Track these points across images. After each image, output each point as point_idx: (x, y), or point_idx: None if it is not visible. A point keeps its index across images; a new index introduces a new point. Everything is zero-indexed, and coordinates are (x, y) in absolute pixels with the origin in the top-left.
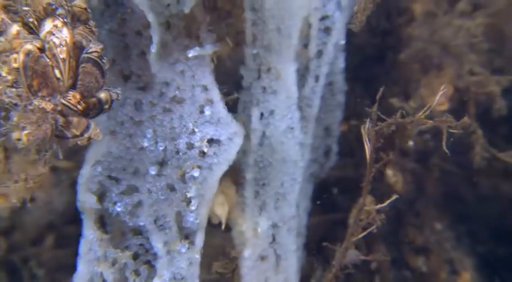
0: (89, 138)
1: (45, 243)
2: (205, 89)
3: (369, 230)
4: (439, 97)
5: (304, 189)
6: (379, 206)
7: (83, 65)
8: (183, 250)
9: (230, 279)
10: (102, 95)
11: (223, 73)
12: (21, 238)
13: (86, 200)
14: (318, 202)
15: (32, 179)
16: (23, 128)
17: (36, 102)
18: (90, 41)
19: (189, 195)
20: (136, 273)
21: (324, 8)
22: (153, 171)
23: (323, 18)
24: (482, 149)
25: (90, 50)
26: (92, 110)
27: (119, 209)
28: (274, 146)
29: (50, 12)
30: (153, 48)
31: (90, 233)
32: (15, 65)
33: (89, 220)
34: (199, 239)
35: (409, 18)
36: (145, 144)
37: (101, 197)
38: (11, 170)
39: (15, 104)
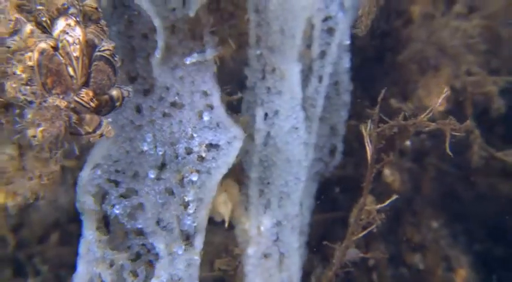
0: (101, 135)
1: (50, 241)
2: (204, 94)
3: (369, 229)
4: (441, 99)
5: (307, 188)
6: (379, 206)
7: (95, 63)
8: (180, 252)
9: (233, 276)
10: (114, 93)
11: (226, 74)
12: (28, 235)
13: (85, 201)
14: (318, 202)
15: (46, 176)
16: (38, 125)
17: (50, 99)
18: (102, 39)
19: (187, 199)
20: (134, 274)
21: (326, 9)
22: (152, 175)
23: (326, 19)
24: (480, 149)
25: (102, 48)
26: (104, 107)
27: (117, 212)
28: (279, 145)
29: (62, 12)
30: (158, 53)
31: (89, 233)
32: (29, 63)
33: (88, 221)
34: (199, 241)
35: (408, 20)
36: (145, 148)
37: (100, 199)
38: (26, 167)
39: (30, 102)
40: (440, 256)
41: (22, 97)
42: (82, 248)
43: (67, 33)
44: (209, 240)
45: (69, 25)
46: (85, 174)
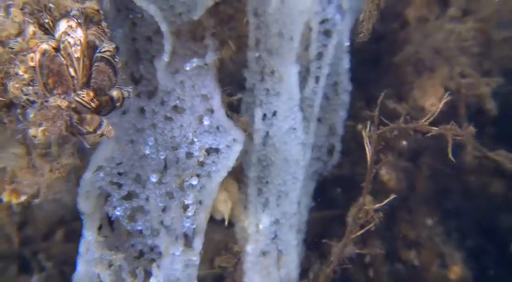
0: (102, 135)
1: (55, 238)
2: (205, 98)
3: (366, 227)
4: (442, 104)
5: (305, 187)
6: (377, 205)
7: (96, 63)
8: (178, 252)
9: (232, 273)
10: (114, 93)
11: (226, 75)
12: (33, 232)
13: (86, 202)
14: (317, 200)
15: (57, 170)
16: (39, 125)
17: (51, 99)
18: (103, 40)
19: (186, 202)
20: (133, 274)
21: (323, 12)
22: (154, 178)
23: (323, 21)
24: (473, 149)
25: (103, 49)
26: (105, 107)
27: (118, 213)
28: (277, 145)
29: (64, 14)
30: (166, 57)
31: (89, 234)
32: (31, 64)
33: (88, 221)
34: (198, 243)
35: (403, 22)
36: (147, 151)
37: (102, 200)
38: (35, 164)
39: (32, 102)
40: (435, 252)
41: (24, 97)
42: (82, 248)
43: (68, 34)
44: (209, 238)
45: (70, 27)
46: (88, 176)
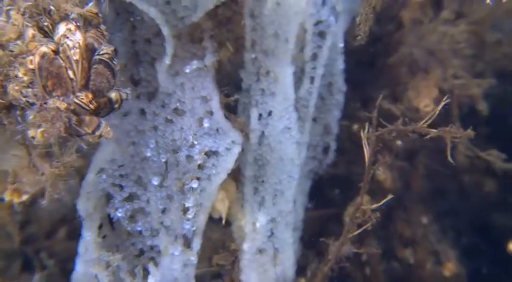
0: (100, 136)
1: (58, 236)
2: (204, 99)
3: (363, 227)
4: (440, 107)
5: (301, 186)
6: (375, 205)
7: (94, 66)
8: (176, 252)
9: (230, 271)
10: (113, 95)
11: (224, 76)
12: (37, 230)
13: (87, 204)
14: (313, 200)
15: (57, 168)
16: (38, 126)
17: (50, 101)
18: (102, 43)
19: (187, 204)
20: (132, 274)
21: (318, 14)
22: (155, 182)
23: (317, 23)
24: (465, 148)
25: (101, 52)
26: (103, 109)
27: (119, 215)
28: (273, 145)
29: (64, 17)
30: (168, 60)
31: (88, 235)
32: (31, 67)
33: (88, 221)
34: (196, 243)
35: (398, 25)
36: (148, 154)
37: (104, 202)
38: (35, 163)
39: (31, 104)
40: (430, 251)
41: (24, 99)
42: (81, 248)
43: (67, 37)
44: (208, 236)
45: (69, 30)
46: (90, 178)
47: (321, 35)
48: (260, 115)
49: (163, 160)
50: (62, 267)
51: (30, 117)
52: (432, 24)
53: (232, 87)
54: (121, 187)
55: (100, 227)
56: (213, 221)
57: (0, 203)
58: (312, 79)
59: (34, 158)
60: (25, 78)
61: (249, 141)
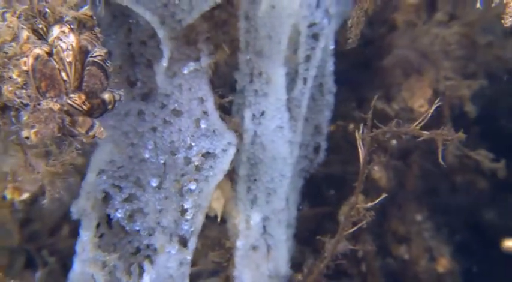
0: (94, 136)
1: (61, 233)
2: (201, 100)
3: (358, 225)
4: (432, 109)
5: (293, 184)
6: (369, 204)
7: (88, 68)
8: (173, 251)
9: (225, 267)
10: (106, 96)
11: (220, 77)
12: (41, 227)
13: (86, 204)
14: (310, 198)
15: (53, 166)
16: (32, 127)
17: (44, 102)
18: (95, 45)
19: (185, 206)
20: (128, 273)
21: (312, 16)
22: (154, 183)
23: (311, 25)
24: (455, 148)
25: (94, 54)
26: (96, 110)
27: (119, 215)
28: (265, 144)
29: (58, 19)
30: (165, 62)
31: (85, 234)
32: (24, 68)
33: (86, 222)
34: (192, 242)
35: (392, 27)
36: (147, 155)
37: (101, 201)
38: (31, 163)
39: (25, 105)
40: (424, 247)
41: (18, 100)
42: (78, 247)
43: (61, 39)
44: (205, 234)
45: (63, 32)
46: (90, 179)
47: (314, 37)
48: (253, 115)
49: (162, 161)
50: (63, 264)
51: (24, 118)
52: (425, 27)
53: (228, 89)
54: (120, 188)
55: (97, 226)
56: (210, 219)
57: (2, 201)
58: (305, 80)
59: (30, 157)
60: (19, 79)
61: (242, 141)
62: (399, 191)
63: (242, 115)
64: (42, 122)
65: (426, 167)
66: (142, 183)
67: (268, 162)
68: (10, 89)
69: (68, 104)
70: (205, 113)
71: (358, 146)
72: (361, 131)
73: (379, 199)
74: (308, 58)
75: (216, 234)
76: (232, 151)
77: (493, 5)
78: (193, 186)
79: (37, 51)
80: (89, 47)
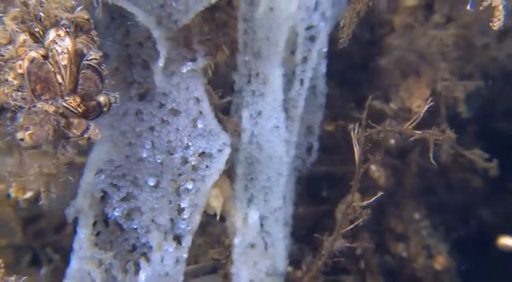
0: (89, 138)
1: (67, 231)
2: (197, 100)
3: (355, 223)
4: (425, 107)
5: (290, 183)
6: (365, 202)
7: (83, 71)
8: (171, 249)
9: (224, 264)
10: (101, 99)
11: (220, 78)
12: (47, 225)
13: (84, 203)
14: (310, 196)
15: (47, 167)
16: (27, 129)
17: (39, 105)
18: (91, 48)
19: (182, 205)
20: (124, 270)
21: (309, 18)
22: (151, 182)
23: (308, 27)
24: (449, 147)
25: (90, 57)
26: (92, 112)
27: (116, 214)
28: (262, 143)
29: (54, 23)
30: (161, 63)
31: (82, 232)
32: (20, 71)
33: (83, 220)
34: (188, 240)
35: (390, 29)
36: (144, 155)
37: (98, 199)
38: (25, 163)
39: (20, 107)
40: (422, 245)
41: (13, 102)
42: (76, 245)
43: (57, 43)
44: (205, 232)
45: (59, 35)
46: (89, 178)
47: (312, 39)
48: (250, 115)
49: (159, 161)
50: (68, 262)
51: (20, 119)
52: (423, 28)
53: (228, 89)
54: (118, 187)
55: (94, 224)
56: (209, 217)
57: (6, 199)
58: (302, 81)
59: (24, 158)
60: (15, 82)
61: (240, 141)
62: (398, 189)
63: (240, 115)
64: (38, 124)
65: (424, 166)
66: (140, 183)
67: (265, 161)
68: (6, 91)
69: (63, 106)
70: (201, 113)
71: (354, 145)
72: (356, 131)
73: (374, 197)
74: (305, 60)
75: (218, 232)
76: (227, 151)
77: (481, 7)
78: (190, 186)
79: (33, 54)
80: (85, 51)
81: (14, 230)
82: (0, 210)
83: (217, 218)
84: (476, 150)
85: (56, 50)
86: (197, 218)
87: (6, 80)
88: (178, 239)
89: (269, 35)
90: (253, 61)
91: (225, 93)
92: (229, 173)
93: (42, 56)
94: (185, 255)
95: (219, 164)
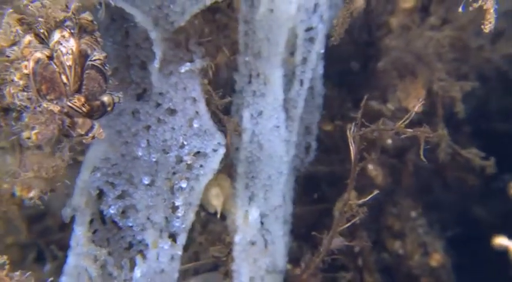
0: (93, 137)
1: (70, 229)
2: (194, 101)
3: (352, 221)
4: (417, 108)
5: (290, 181)
6: (361, 200)
7: (87, 71)
8: (166, 247)
9: (225, 262)
10: (105, 98)
11: (221, 78)
12: (53, 223)
13: (80, 201)
14: (310, 195)
15: (45, 170)
16: (32, 128)
17: (44, 104)
18: (95, 49)
19: (176, 203)
20: (119, 267)
21: (309, 20)
22: (146, 181)
23: (308, 29)
24: (447, 146)
25: (94, 58)
26: (96, 112)
27: (112, 212)
28: (262, 143)
29: (59, 24)
30: (156, 64)
31: (78, 229)
32: (25, 71)
33: (79, 218)
34: (182, 238)
35: (387, 31)
36: (140, 153)
37: (94, 197)
38: (25, 164)
39: (26, 107)
40: (418, 242)
41: (19, 102)
42: (73, 242)
43: (61, 44)
44: (207, 230)
45: (63, 36)
46: (85, 176)
47: (311, 40)
48: (251, 115)
49: (154, 160)
50: None
51: (26, 119)
52: (419, 30)
53: (229, 89)
54: (114, 185)
55: (91, 221)
56: (212, 215)
57: (11, 198)
58: (301, 82)
59: (25, 158)
60: (20, 82)
61: (241, 140)
62: (395, 188)
63: (241, 115)
64: (43, 124)
65: (420, 165)
66: (135, 181)
67: (266, 160)
68: (12, 91)
69: (68, 106)
70: (197, 113)
71: (350, 144)
72: (352, 130)
73: (370, 196)
74: (304, 60)
75: (219, 230)
76: (222, 151)
77: (471, 8)
78: (184, 185)
79: (38, 55)
80: (89, 51)
81: (19, 228)
82: (6, 208)
83: (218, 216)
84: (472, 149)
85: (61, 51)
86: (191, 216)
87: (12, 81)
88: (173, 236)
89: (269, 36)
90: (253, 62)
91: (226, 93)
92: (229, 171)
93: (47, 56)
94: (179, 253)
95: (214, 163)
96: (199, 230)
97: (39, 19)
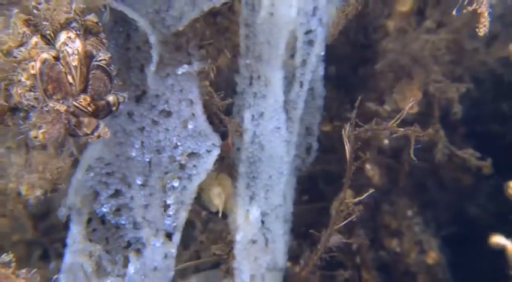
0: (99, 136)
1: None
2: (190, 103)
3: (348, 219)
4: (409, 107)
5: (290, 181)
6: (357, 199)
7: (93, 71)
8: (158, 244)
9: (226, 260)
10: (110, 98)
11: (222, 81)
12: (57, 222)
13: (75, 200)
14: (309, 194)
15: (49, 172)
16: (39, 127)
17: (51, 104)
18: (100, 50)
19: (168, 202)
20: (113, 262)
21: (308, 23)
22: (139, 181)
23: (307, 32)
24: (444, 147)
25: (99, 58)
26: (101, 111)
27: (104, 210)
28: (263, 143)
29: (65, 26)
30: (153, 66)
31: (74, 228)
32: (32, 72)
33: (75, 217)
34: (177, 237)
35: (384, 33)
36: (133, 154)
37: (90, 196)
38: (31, 164)
39: (33, 106)
40: (414, 241)
41: (26, 102)
42: (69, 240)
43: (67, 45)
44: (209, 229)
45: (69, 38)
46: (80, 175)
47: (310, 43)
48: (252, 116)
49: (147, 160)
50: None
51: (33, 118)
52: (415, 33)
53: (230, 91)
54: (107, 184)
55: (89, 221)
56: (213, 214)
57: (17, 197)
58: (301, 83)
59: (31, 157)
60: (27, 82)
61: (242, 141)
62: (391, 187)
63: (242, 116)
64: (50, 123)
65: (416, 165)
66: (128, 181)
67: (266, 160)
68: (19, 91)
69: (74, 105)
70: (193, 115)
71: (345, 144)
72: (347, 130)
73: (366, 194)
74: (304, 63)
75: (220, 229)
76: (216, 152)
77: (464, 10)
78: (176, 184)
79: (44, 55)
80: (94, 52)
81: (25, 226)
82: (12, 207)
83: (220, 215)
84: (468, 149)
85: (67, 52)
86: (183, 215)
87: (20, 81)
88: (167, 234)
89: (270, 39)
90: (254, 64)
91: (227, 95)
92: (231, 171)
93: (54, 57)
94: (173, 250)
95: (207, 164)
96: (200, 229)
97: (44, 22)
